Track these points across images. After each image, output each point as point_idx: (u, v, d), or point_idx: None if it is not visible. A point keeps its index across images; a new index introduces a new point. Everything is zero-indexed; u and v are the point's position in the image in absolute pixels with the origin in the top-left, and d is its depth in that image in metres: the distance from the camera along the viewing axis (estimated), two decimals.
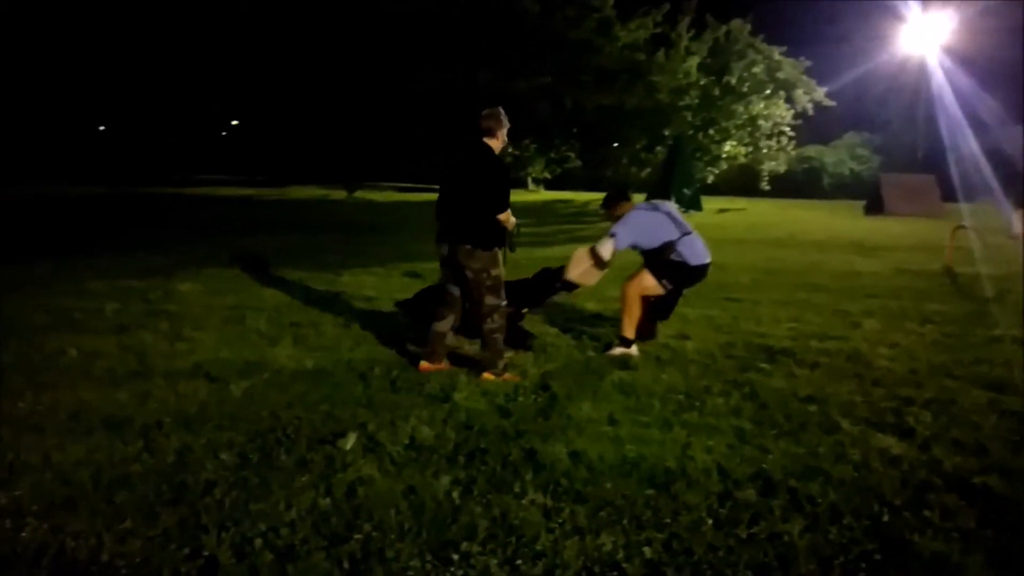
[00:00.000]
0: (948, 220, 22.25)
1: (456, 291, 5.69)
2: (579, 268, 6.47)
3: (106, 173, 41.76)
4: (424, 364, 5.63)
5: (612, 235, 6.33)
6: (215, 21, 33.13)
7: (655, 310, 6.58)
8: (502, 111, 5.61)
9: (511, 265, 6.05)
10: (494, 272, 5.43)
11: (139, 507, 3.31)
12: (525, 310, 6.67)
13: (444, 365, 5.68)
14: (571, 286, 6.62)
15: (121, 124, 50.27)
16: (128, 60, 37.97)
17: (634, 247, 6.43)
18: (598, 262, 6.40)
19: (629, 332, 6.28)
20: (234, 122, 51.38)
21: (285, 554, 2.96)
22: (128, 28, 36.28)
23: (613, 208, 6.64)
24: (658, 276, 6.32)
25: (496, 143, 5.56)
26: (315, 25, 30.53)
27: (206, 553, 2.96)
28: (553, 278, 6.61)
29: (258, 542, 3.03)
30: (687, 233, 6.36)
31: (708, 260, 6.50)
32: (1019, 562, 3.03)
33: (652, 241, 6.35)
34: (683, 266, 6.34)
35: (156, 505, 3.35)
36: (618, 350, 6.23)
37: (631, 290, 6.30)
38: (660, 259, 6.33)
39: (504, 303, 5.52)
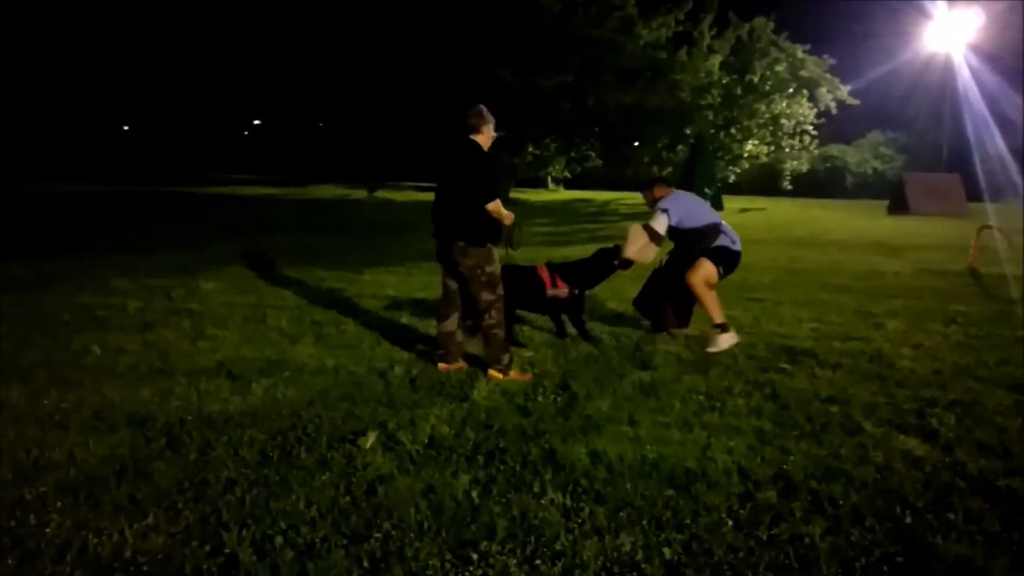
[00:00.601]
0: (973, 220, 22.02)
1: (454, 287, 5.70)
2: (636, 245, 6.56)
3: (129, 172, 42.19)
4: (441, 365, 5.65)
5: (664, 210, 6.49)
6: (237, 21, 33.33)
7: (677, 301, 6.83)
8: (484, 108, 5.63)
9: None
10: (488, 268, 5.43)
11: (161, 504, 3.34)
12: (585, 291, 6.72)
13: (461, 364, 5.69)
14: (628, 263, 6.69)
15: (145, 123, 50.72)
16: (151, 60, 38.25)
17: (678, 226, 6.53)
18: (654, 237, 6.51)
19: (719, 317, 6.41)
20: (256, 121, 51.71)
21: (305, 552, 2.98)
22: (153, 28, 36.57)
23: (654, 190, 6.83)
24: (715, 263, 6.47)
25: (483, 139, 5.57)
26: (337, 24, 30.63)
27: (227, 550, 2.98)
28: (610, 257, 6.70)
29: (278, 540, 3.05)
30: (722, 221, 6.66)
31: (740, 247, 6.71)
32: None
33: (698, 220, 6.54)
34: (728, 251, 6.53)
35: (178, 502, 3.37)
36: (722, 337, 6.36)
37: (696, 280, 6.40)
38: (709, 243, 6.48)
39: (500, 298, 5.52)
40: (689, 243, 6.58)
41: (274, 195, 32.13)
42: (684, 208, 6.57)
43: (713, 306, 6.38)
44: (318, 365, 5.68)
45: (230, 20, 32.78)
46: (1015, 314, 8.37)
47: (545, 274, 6.50)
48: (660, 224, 6.47)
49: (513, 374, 5.43)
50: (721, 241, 6.50)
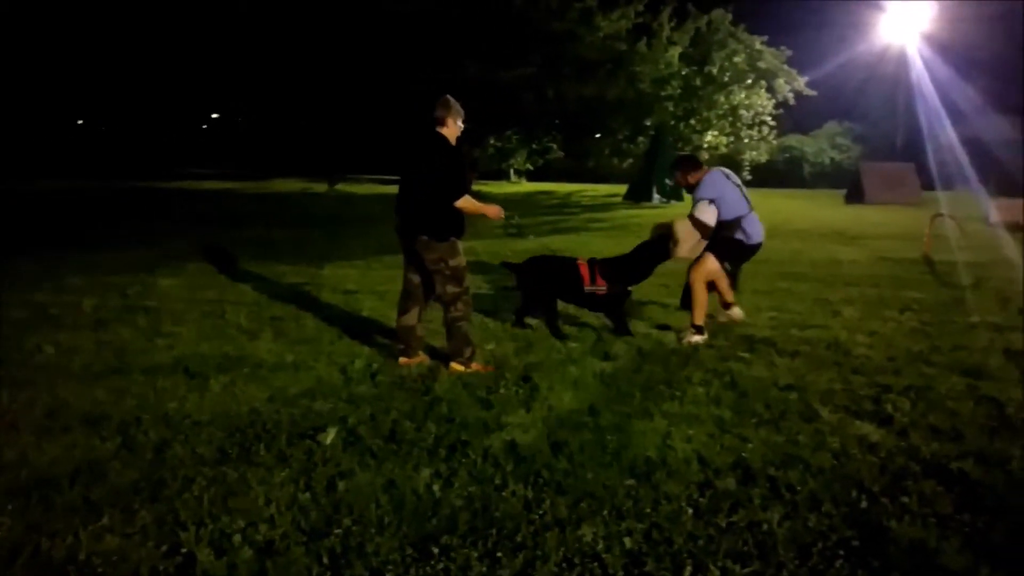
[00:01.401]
0: (927, 208, 22.42)
1: (416, 281, 5.67)
2: (689, 243, 6.40)
3: (84, 167, 41.31)
4: (402, 359, 5.62)
5: (707, 199, 6.34)
6: (195, 12, 32.83)
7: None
8: (451, 99, 5.49)
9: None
10: (452, 262, 5.37)
11: (116, 504, 3.29)
12: (630, 288, 6.66)
13: (422, 358, 5.67)
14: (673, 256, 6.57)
15: (100, 118, 49.78)
16: (106, 53, 37.56)
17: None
18: (704, 230, 6.38)
19: (700, 319, 6.38)
20: (214, 115, 51.00)
21: (264, 550, 2.95)
22: (106, 20, 35.88)
23: (688, 173, 6.65)
24: (720, 258, 6.46)
25: (449, 131, 5.46)
26: (295, 17, 30.30)
27: (184, 550, 2.94)
28: (652, 252, 6.58)
29: (237, 538, 3.01)
30: (752, 209, 6.54)
31: (763, 239, 6.64)
32: (995, 546, 3.05)
33: (730, 212, 6.42)
34: (741, 244, 6.50)
35: (134, 502, 3.32)
36: (694, 338, 6.32)
37: (697, 276, 6.39)
38: (723, 236, 6.43)
39: (466, 291, 5.48)
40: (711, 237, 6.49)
41: (233, 189, 31.68)
42: (723, 198, 6.42)
43: (702, 307, 6.37)
44: (277, 361, 5.62)
45: (186, 13, 32.28)
46: (967, 301, 8.54)
47: (585, 269, 6.44)
48: (710, 216, 6.32)
49: (475, 367, 5.42)
50: (738, 235, 6.46)
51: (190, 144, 54.09)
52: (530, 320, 6.79)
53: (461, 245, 5.47)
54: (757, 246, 6.60)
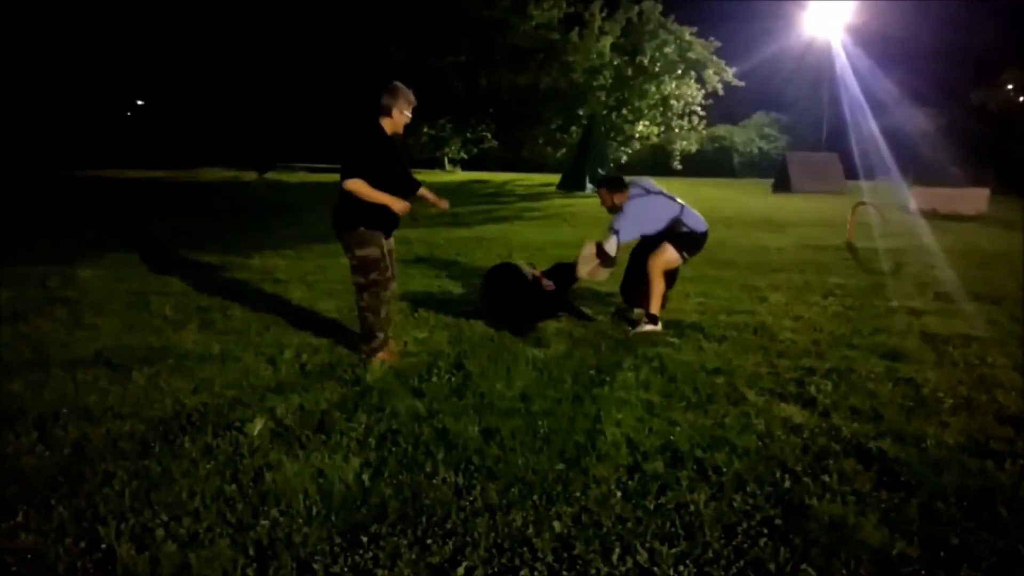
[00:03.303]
0: (850, 197, 23.09)
1: None
2: (587, 267, 6.35)
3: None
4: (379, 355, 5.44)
5: (616, 231, 6.22)
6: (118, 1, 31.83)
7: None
8: (400, 86, 5.26)
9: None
10: (358, 252, 5.20)
11: (32, 501, 3.18)
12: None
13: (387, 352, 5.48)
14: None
15: (13, 105, 47.80)
16: (23, 39, 36.10)
17: (639, 236, 6.48)
18: (605, 260, 6.26)
19: (655, 308, 6.39)
20: (139, 102, 49.49)
21: (188, 543, 2.89)
22: (25, 6, 34.51)
23: (613, 194, 6.57)
24: (678, 249, 6.45)
25: (390, 121, 5.23)
26: (216, 3, 29.58)
27: (104, 546, 2.86)
28: (567, 273, 6.50)
29: (159, 532, 2.94)
30: (683, 204, 6.58)
31: (707, 227, 6.67)
32: (909, 520, 3.16)
33: (659, 225, 6.42)
34: (694, 235, 6.51)
35: (51, 498, 3.21)
36: (647, 327, 6.32)
37: (655, 266, 6.37)
38: (673, 233, 6.43)
39: (374, 283, 5.23)
40: (662, 236, 6.46)
41: (159, 178, 30.86)
42: (641, 222, 6.36)
43: (658, 296, 6.38)
44: (204, 352, 5.50)
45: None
46: (887, 286, 8.82)
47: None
48: (611, 247, 6.20)
49: (381, 356, 5.30)
50: (685, 229, 6.46)
51: (113, 132, 52.37)
52: (466, 309, 6.76)
53: (376, 236, 5.22)
54: (705, 234, 6.64)
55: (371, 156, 5.15)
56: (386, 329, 5.45)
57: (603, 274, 6.45)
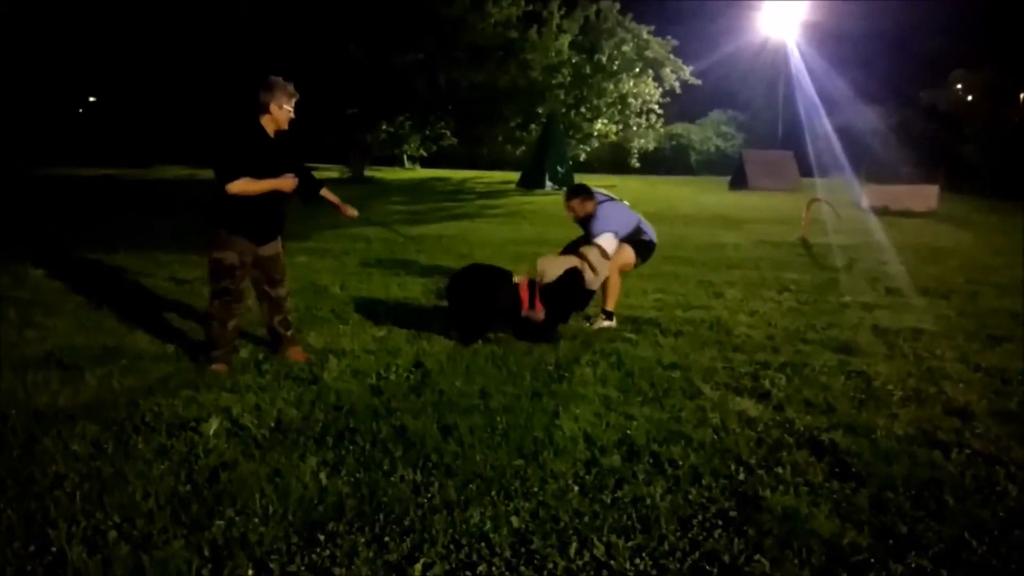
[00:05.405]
0: (805, 194, 23.42)
1: (255, 275, 5.25)
2: (604, 275, 6.25)
3: None
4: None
5: (610, 231, 6.31)
6: None
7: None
8: (276, 79, 4.91)
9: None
10: (213, 254, 4.90)
11: None
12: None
13: (291, 351, 5.37)
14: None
15: None
16: None
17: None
18: (607, 258, 6.23)
19: (611, 305, 6.51)
20: (91, 98, 48.47)
21: (141, 544, 2.85)
22: None
23: (584, 202, 6.50)
24: (636, 252, 6.60)
25: (270, 118, 4.90)
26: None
27: (54, 548, 2.81)
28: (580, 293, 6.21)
29: (112, 534, 2.90)
30: (638, 215, 6.78)
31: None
32: (860, 510, 3.23)
33: (628, 227, 6.56)
34: (649, 243, 6.70)
35: (0, 501, 3.15)
36: (604, 323, 6.44)
37: (613, 265, 6.41)
38: (633, 240, 6.56)
39: (224, 291, 4.95)
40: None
41: (114, 176, 30.29)
42: (619, 220, 6.47)
43: (614, 293, 6.49)
44: (158, 352, 5.42)
45: None
46: (840, 281, 8.99)
47: (525, 292, 6.02)
48: (610, 244, 6.26)
49: (216, 367, 4.98)
50: (643, 236, 6.64)
51: (65, 129, 51.22)
52: (427, 308, 6.74)
53: (236, 241, 4.91)
54: (655, 244, 6.82)
55: (249, 159, 4.83)
56: (231, 344, 5.14)
57: (606, 273, 6.42)
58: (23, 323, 6.18)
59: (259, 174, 4.84)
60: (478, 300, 5.91)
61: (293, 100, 4.96)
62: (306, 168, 5.34)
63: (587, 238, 6.44)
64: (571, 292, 6.10)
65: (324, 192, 5.48)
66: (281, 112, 4.92)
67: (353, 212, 5.60)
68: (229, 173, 4.77)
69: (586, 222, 6.49)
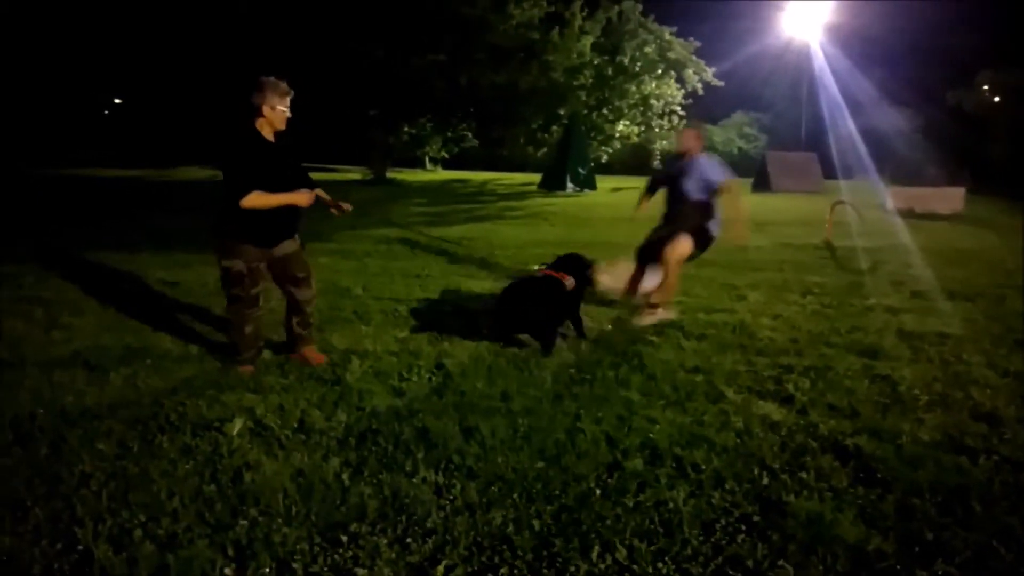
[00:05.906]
0: (828, 196, 23.23)
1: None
2: (612, 282, 6.48)
3: None
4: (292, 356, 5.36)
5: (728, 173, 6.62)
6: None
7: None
8: (267, 79, 4.81)
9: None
10: (223, 262, 4.92)
11: (7, 503, 3.15)
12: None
13: (305, 354, 5.35)
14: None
15: None
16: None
17: (708, 185, 6.67)
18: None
19: (671, 298, 6.64)
20: (117, 100, 49.04)
21: (166, 544, 2.87)
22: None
23: (697, 141, 6.81)
24: (697, 246, 6.67)
25: (265, 121, 4.83)
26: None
27: (81, 547, 2.84)
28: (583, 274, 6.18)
29: (137, 533, 2.93)
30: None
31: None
32: (885, 516, 3.20)
33: (723, 177, 6.71)
34: (713, 239, 6.78)
35: (27, 500, 3.19)
36: (659, 313, 6.54)
37: (674, 257, 6.48)
38: (703, 227, 6.64)
39: (237, 298, 4.97)
40: (694, 209, 6.64)
41: (138, 176, 30.61)
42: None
43: (672, 288, 6.55)
44: (182, 352, 5.47)
45: None
46: (865, 284, 8.90)
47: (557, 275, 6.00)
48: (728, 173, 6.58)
49: (243, 369, 5.01)
50: (711, 225, 6.69)
51: (91, 130, 51.81)
52: (446, 308, 6.75)
53: (242, 248, 4.90)
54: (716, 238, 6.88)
55: (251, 167, 4.76)
56: (255, 346, 5.16)
57: (619, 289, 6.57)
58: (49, 323, 6.25)
59: (262, 181, 4.78)
60: (543, 304, 5.81)
61: (287, 99, 4.86)
62: (303, 169, 5.24)
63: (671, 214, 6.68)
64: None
65: (318, 192, 5.33)
66: (275, 113, 4.83)
67: (347, 207, 5.43)
68: (240, 188, 4.72)
69: (690, 166, 6.67)
